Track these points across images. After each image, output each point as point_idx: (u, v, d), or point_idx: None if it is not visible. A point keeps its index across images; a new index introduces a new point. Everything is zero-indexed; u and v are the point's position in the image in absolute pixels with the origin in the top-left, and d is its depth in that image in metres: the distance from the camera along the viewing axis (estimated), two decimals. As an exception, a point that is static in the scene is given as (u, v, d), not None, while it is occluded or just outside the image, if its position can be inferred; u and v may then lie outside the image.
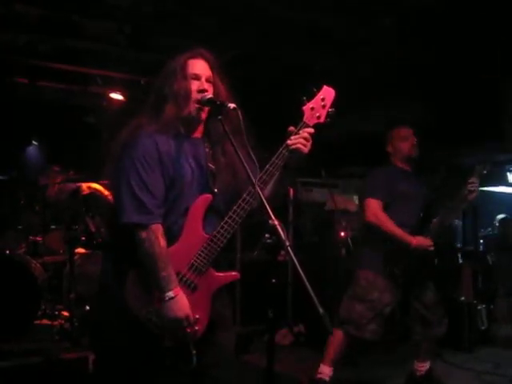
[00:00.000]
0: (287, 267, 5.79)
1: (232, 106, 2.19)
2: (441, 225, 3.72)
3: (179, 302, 2.19)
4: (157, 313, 2.21)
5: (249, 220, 2.27)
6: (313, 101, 2.33)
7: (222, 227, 2.23)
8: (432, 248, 3.68)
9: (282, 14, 4.37)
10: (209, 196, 2.30)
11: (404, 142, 3.91)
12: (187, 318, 2.20)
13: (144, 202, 2.20)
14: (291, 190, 6.15)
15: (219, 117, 2.23)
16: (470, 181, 3.65)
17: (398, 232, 3.64)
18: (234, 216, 2.22)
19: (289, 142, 2.27)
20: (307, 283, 1.85)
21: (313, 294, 1.81)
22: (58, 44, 5.20)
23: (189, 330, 2.22)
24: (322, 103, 2.33)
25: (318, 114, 2.32)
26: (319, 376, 3.76)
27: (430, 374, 3.99)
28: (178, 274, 2.23)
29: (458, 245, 6.47)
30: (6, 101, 5.51)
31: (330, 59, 5.14)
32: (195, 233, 2.27)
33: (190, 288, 2.24)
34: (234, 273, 2.33)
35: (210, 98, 2.28)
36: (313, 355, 3.92)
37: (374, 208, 3.71)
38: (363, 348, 4.31)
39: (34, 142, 6.51)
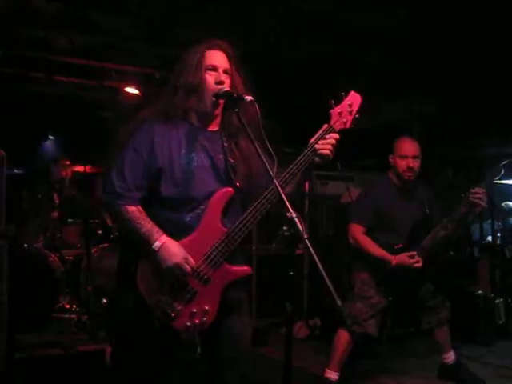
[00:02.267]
0: (303, 260, 5.82)
1: (249, 98, 2.18)
2: (434, 240, 3.68)
3: (170, 247, 2.20)
4: (168, 302, 2.22)
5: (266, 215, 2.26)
6: (340, 105, 2.33)
7: (241, 222, 2.22)
8: (417, 264, 3.63)
9: (300, 5, 4.34)
10: (230, 190, 2.29)
11: (401, 160, 3.79)
12: (186, 260, 2.20)
13: (114, 185, 2.25)
14: (307, 183, 6.14)
15: (236, 110, 2.22)
16: (473, 190, 3.45)
17: (378, 252, 3.68)
18: (254, 212, 2.22)
19: (316, 146, 2.27)
20: (326, 276, 1.84)
21: (332, 287, 1.80)
22: (73, 39, 5.22)
23: (197, 321, 2.23)
24: (349, 109, 2.33)
25: (344, 120, 2.33)
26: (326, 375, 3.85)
27: (458, 362, 4.07)
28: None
29: (475, 238, 6.41)
30: (23, 95, 5.55)
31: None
32: (213, 226, 2.26)
33: (202, 281, 2.24)
34: (245, 267, 2.33)
35: (227, 90, 2.27)
36: (328, 349, 3.93)
37: (355, 232, 3.79)
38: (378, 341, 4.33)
39: (50, 137, 6.56)
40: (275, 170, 2.10)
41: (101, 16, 4.88)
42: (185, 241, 2.25)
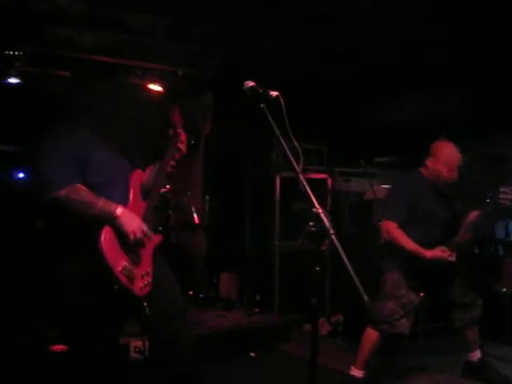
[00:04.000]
0: (327, 256, 5.79)
1: (275, 93, 2.19)
2: (465, 235, 3.69)
3: (129, 212, 2.64)
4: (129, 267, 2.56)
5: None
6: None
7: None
8: (452, 258, 3.64)
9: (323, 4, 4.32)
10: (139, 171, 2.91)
11: (444, 167, 3.76)
12: (144, 224, 2.67)
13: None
14: (329, 180, 6.13)
15: (262, 105, 2.24)
16: (502, 190, 3.42)
17: (413, 247, 3.65)
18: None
19: None
20: (352, 272, 1.85)
21: (358, 283, 1.81)
22: (99, 37, 5.27)
23: (146, 282, 2.63)
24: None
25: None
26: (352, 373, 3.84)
27: (483, 360, 4.05)
28: None
29: (500, 236, 6.33)
30: (48, 93, 5.61)
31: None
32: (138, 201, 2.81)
33: (142, 244, 2.68)
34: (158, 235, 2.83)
35: (253, 85, 2.29)
36: (351, 346, 3.92)
37: (390, 228, 3.75)
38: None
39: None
40: (300, 165, 2.11)
41: (125, 14, 4.92)
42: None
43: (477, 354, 4.03)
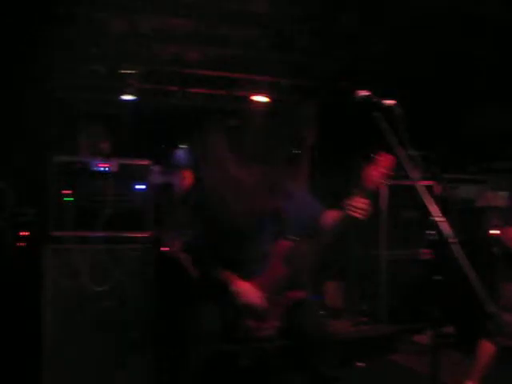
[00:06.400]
0: (431, 265, 5.61)
1: (391, 102, 2.19)
2: None
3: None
4: None
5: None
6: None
7: None
8: None
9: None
10: None
11: None
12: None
13: None
14: (437, 187, 5.94)
15: (375, 113, 2.23)
16: None
17: None
18: None
19: None
20: (475, 281, 1.80)
21: (483, 293, 1.76)
22: (203, 52, 5.48)
23: None
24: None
25: None
26: None
27: None
28: None
29: None
30: (160, 108, 5.91)
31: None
32: None
33: None
34: None
35: (367, 94, 2.29)
36: (463, 359, 3.76)
37: None
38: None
39: (181, 146, 6.89)
40: (419, 173, 2.09)
41: (229, 29, 5.09)
42: None
43: None
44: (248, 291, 2.71)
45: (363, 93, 2.29)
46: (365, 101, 2.28)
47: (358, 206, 2.42)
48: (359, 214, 2.42)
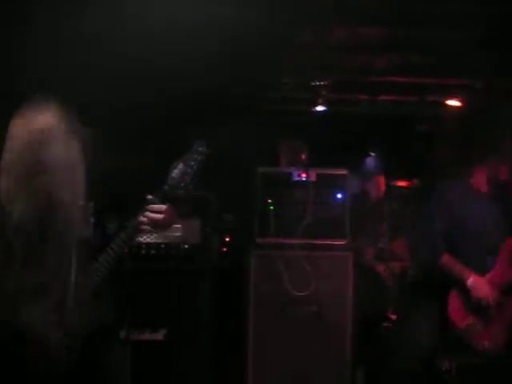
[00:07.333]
0: None
1: None
2: None
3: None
4: None
5: None
6: None
7: None
8: None
9: None
10: None
11: None
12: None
13: None
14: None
15: None
16: None
17: None
18: None
19: None
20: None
21: None
22: (390, 58, 5.42)
23: None
24: None
25: None
26: None
27: None
28: None
29: None
30: (349, 116, 5.99)
31: None
32: None
33: None
34: None
35: None
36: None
37: None
38: None
39: (371, 153, 6.88)
40: None
41: (419, 33, 4.96)
42: None
43: None
44: (483, 285, 2.81)
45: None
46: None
47: None
48: None
